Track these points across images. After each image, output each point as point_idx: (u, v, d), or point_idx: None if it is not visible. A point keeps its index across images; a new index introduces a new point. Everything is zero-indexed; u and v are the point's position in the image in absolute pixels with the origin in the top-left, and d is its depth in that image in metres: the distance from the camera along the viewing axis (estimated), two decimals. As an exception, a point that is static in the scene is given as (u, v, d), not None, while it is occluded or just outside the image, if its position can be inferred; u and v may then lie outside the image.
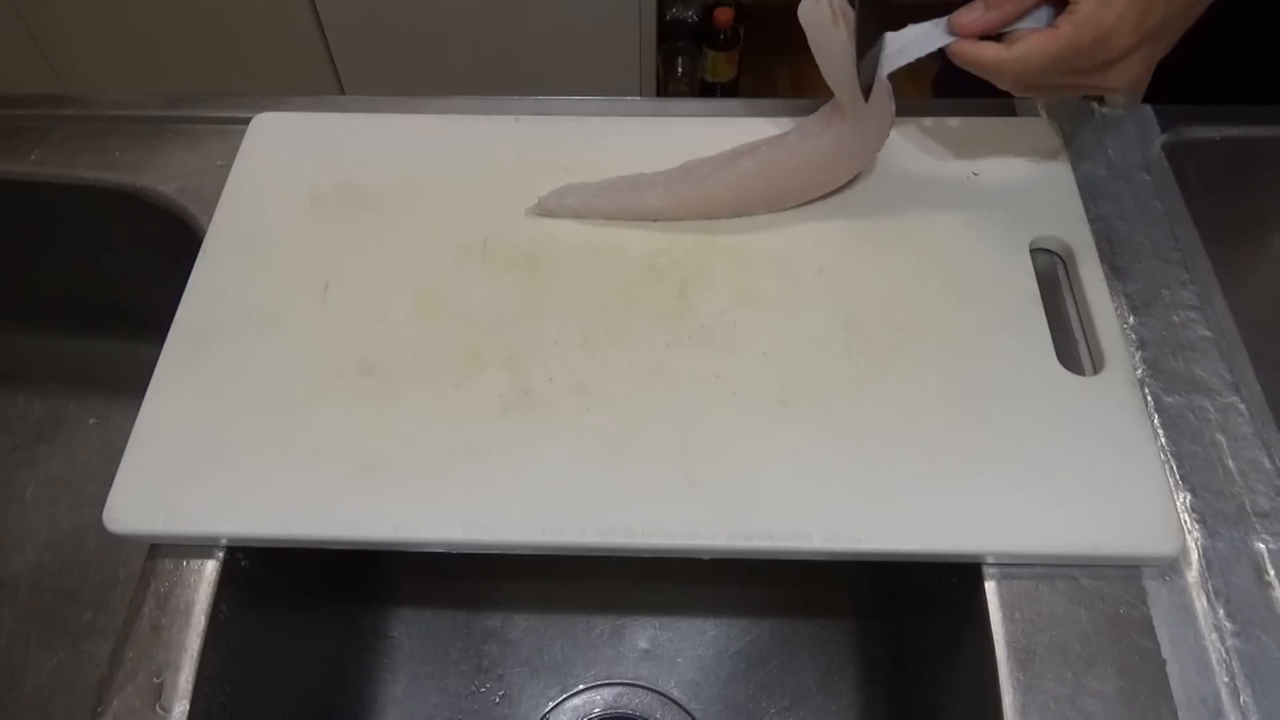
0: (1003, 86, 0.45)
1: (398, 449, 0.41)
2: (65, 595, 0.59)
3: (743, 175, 0.47)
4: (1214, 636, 0.37)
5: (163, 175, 0.53)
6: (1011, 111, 0.54)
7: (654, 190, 0.48)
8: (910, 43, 0.44)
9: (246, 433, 0.41)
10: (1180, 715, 0.36)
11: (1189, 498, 0.41)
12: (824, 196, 0.49)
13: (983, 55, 0.44)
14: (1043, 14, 0.43)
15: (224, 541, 0.40)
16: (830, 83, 0.45)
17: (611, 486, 0.39)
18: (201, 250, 0.48)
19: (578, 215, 0.49)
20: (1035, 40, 0.42)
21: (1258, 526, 0.40)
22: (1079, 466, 0.40)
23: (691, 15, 1.56)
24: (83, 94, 0.58)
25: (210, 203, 0.50)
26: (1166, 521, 0.38)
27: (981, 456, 0.40)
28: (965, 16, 0.44)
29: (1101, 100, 0.54)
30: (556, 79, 1.34)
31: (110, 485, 0.40)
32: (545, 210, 0.49)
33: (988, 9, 0.44)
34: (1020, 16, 0.44)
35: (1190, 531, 0.40)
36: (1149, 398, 0.43)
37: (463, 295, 0.46)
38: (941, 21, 0.45)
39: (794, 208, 0.49)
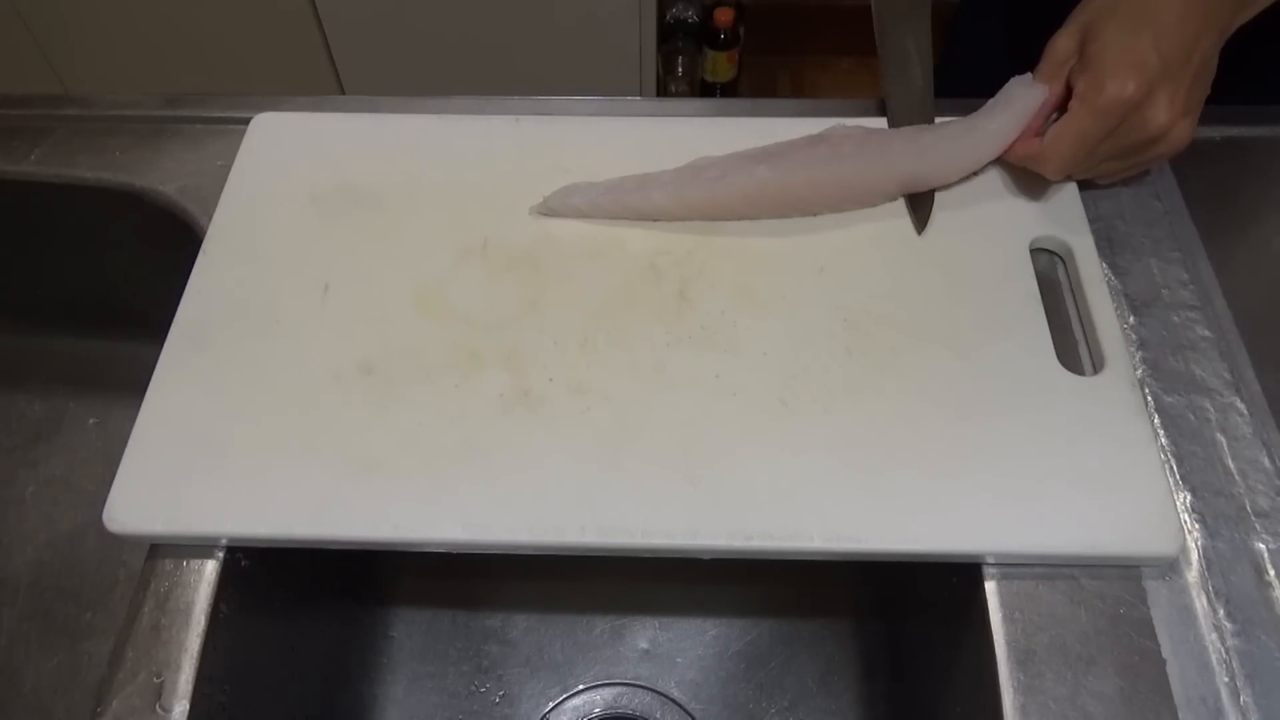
0: (1052, 178, 0.47)
1: (398, 449, 0.41)
2: (65, 595, 0.59)
3: (760, 183, 0.47)
4: (1214, 636, 0.37)
5: (163, 175, 0.53)
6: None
7: (661, 190, 0.48)
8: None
9: (246, 432, 0.41)
10: (1180, 715, 0.36)
11: (1189, 498, 0.41)
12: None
13: (1020, 152, 0.47)
14: None
15: (224, 541, 0.40)
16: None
17: (611, 486, 0.39)
18: (201, 250, 0.48)
19: (583, 215, 0.49)
20: (1057, 126, 0.45)
21: (1258, 526, 0.40)
22: (1079, 466, 0.40)
23: (691, 15, 1.57)
24: (83, 94, 0.58)
25: (210, 203, 0.50)
26: (1166, 521, 0.38)
27: (981, 456, 0.40)
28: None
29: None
30: (556, 79, 1.34)
31: (110, 485, 0.40)
32: (550, 210, 0.49)
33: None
34: (1056, 101, 0.46)
35: (1190, 531, 0.40)
36: (1149, 398, 0.43)
37: (463, 295, 0.46)
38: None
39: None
